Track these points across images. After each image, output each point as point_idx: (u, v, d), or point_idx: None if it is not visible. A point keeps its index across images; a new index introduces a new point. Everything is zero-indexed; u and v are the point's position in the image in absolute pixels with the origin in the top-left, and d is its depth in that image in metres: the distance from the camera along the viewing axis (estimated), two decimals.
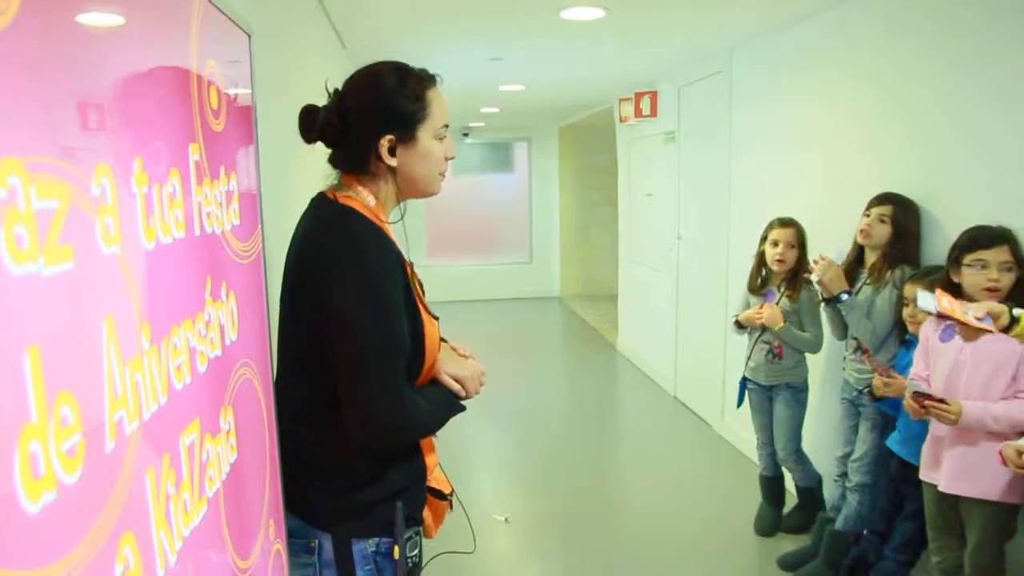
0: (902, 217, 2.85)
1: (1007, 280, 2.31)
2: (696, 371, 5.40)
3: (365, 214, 1.44)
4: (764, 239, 3.36)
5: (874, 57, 3.24)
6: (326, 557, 1.47)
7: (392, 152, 1.45)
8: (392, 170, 1.47)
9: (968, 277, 2.36)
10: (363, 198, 1.47)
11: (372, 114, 1.45)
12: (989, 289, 2.32)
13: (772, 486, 3.54)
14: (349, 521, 1.46)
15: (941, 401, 2.29)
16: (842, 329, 3.03)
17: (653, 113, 6.02)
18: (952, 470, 2.37)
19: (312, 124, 1.47)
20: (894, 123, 3.13)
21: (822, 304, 3.06)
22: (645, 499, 4.08)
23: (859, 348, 2.91)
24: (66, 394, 0.68)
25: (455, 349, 1.62)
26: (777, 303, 3.26)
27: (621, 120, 6.86)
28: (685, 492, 4.13)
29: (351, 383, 1.37)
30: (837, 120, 3.54)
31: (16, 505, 0.60)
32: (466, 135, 9.80)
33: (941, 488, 2.39)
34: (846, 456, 3.07)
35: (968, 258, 2.36)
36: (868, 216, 2.90)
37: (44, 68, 0.69)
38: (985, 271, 2.33)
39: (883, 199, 2.91)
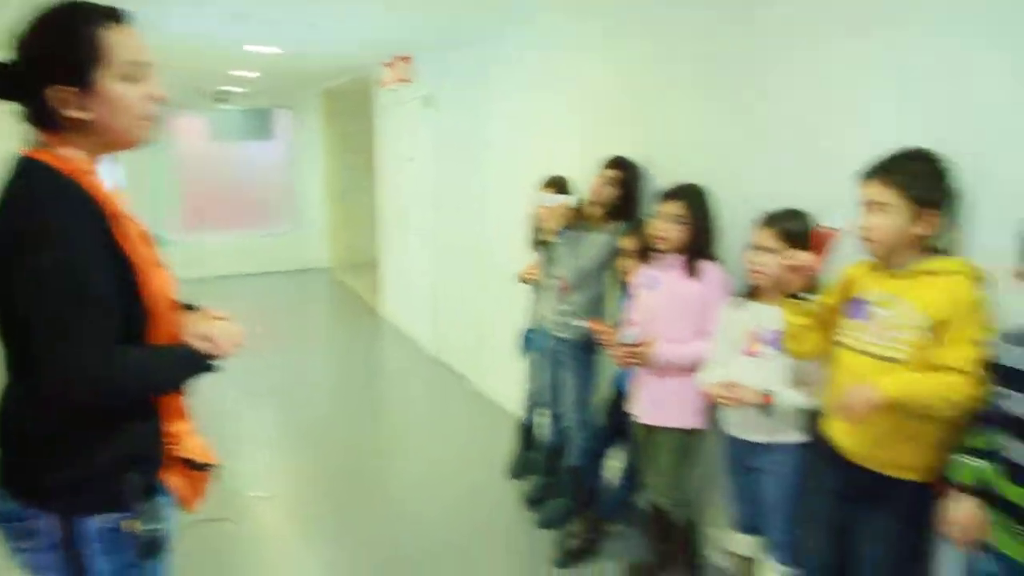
0: (630, 180, 3.12)
1: (673, 232, 2.57)
2: (455, 331, 5.59)
3: (60, 167, 1.31)
4: None
5: (633, 10, 3.29)
6: (49, 540, 1.33)
7: (73, 103, 1.31)
8: (83, 122, 1.33)
9: None
10: (61, 152, 1.33)
11: (38, 65, 1.30)
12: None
13: (529, 432, 3.77)
14: (70, 497, 1.33)
15: (640, 346, 2.55)
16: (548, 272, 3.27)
17: (412, 78, 6.04)
18: (646, 403, 2.67)
19: None
20: (638, 84, 3.29)
21: (536, 247, 3.30)
22: (408, 456, 4.19)
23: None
24: None
25: (208, 313, 1.54)
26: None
27: (381, 85, 6.82)
28: (447, 445, 4.30)
29: (43, 341, 1.25)
30: (594, 78, 3.60)
31: None
32: (223, 100, 9.20)
33: (639, 420, 2.69)
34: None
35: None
36: (600, 178, 3.14)
37: None
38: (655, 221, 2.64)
39: (611, 163, 3.16)
